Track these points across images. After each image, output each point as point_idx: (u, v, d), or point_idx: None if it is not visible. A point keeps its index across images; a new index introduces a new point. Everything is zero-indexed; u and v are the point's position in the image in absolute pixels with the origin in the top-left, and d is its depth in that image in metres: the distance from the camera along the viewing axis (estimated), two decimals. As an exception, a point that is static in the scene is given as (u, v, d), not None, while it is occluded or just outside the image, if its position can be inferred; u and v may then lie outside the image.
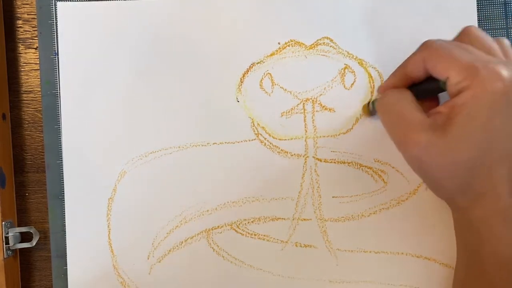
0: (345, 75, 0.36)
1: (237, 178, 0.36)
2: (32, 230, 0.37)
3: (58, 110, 0.36)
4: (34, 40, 0.38)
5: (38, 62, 0.38)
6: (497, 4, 0.37)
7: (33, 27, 0.38)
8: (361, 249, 0.36)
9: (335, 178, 0.36)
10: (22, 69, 0.38)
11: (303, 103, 0.36)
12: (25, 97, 0.38)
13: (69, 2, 0.37)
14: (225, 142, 0.36)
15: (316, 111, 0.36)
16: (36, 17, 0.37)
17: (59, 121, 0.36)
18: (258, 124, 0.36)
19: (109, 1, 0.36)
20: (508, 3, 0.37)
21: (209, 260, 0.36)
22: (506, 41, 0.30)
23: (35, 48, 0.38)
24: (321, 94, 0.36)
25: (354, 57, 0.36)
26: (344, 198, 0.36)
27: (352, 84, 0.36)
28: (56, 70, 0.36)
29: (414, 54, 0.31)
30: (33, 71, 0.38)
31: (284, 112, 0.36)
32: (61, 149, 0.36)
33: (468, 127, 0.27)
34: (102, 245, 0.36)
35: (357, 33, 0.36)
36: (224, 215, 0.36)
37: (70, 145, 0.36)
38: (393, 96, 0.31)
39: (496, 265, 0.28)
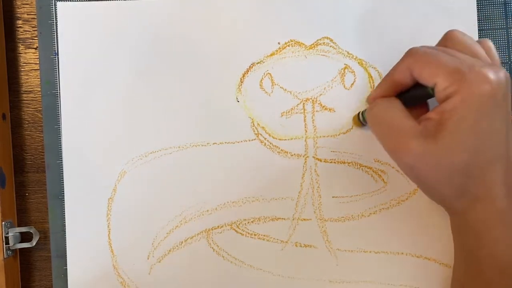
0: (345, 75, 0.36)
1: (237, 178, 0.36)
2: (32, 230, 0.37)
3: (58, 110, 0.36)
4: (34, 40, 0.38)
5: (38, 62, 0.38)
6: (497, 4, 0.37)
7: (33, 27, 0.38)
8: (361, 249, 0.36)
9: (335, 178, 0.36)
10: (22, 69, 0.38)
11: (303, 103, 0.36)
12: (25, 97, 0.38)
13: (69, 2, 0.37)
14: (225, 142, 0.36)
15: (316, 111, 0.36)
16: (36, 17, 0.37)
17: (59, 121, 0.36)
18: (258, 124, 0.36)
19: (109, 1, 0.36)
20: (508, 3, 0.37)
21: (209, 260, 0.36)
22: (489, 43, 0.30)
23: (35, 48, 0.38)
24: (321, 94, 0.36)
25: (354, 57, 0.36)
26: (344, 198, 0.36)
27: (352, 84, 0.36)
28: (56, 70, 0.36)
29: (400, 62, 0.31)
30: (33, 71, 0.38)
31: (284, 112, 0.36)
32: (61, 149, 0.36)
33: (459, 132, 0.27)
34: (102, 245, 0.36)
35: (357, 33, 0.36)
36: (224, 215, 0.36)
37: (70, 145, 0.36)
38: (382, 106, 0.31)
39: (494, 267, 0.29)
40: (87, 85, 0.36)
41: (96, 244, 0.36)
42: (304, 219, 0.36)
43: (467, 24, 0.36)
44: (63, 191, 0.36)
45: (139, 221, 0.36)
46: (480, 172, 0.28)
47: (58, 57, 0.36)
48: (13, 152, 0.38)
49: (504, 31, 0.37)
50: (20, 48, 0.38)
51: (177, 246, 0.36)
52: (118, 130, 0.36)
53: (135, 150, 0.36)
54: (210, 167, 0.36)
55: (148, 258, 0.36)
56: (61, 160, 0.36)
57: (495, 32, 0.37)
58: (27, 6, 0.38)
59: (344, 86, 0.36)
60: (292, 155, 0.36)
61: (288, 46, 0.36)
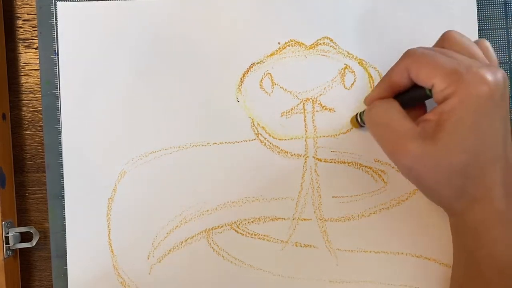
0: (345, 75, 0.36)
1: (237, 178, 0.36)
2: (32, 230, 0.37)
3: (58, 110, 0.36)
4: (34, 40, 0.38)
5: (38, 62, 0.38)
6: (497, 4, 0.37)
7: (33, 27, 0.38)
8: (361, 249, 0.36)
9: (335, 178, 0.36)
10: (22, 69, 0.38)
11: (303, 103, 0.36)
12: (25, 97, 0.38)
13: (69, 2, 0.37)
14: (225, 142, 0.36)
15: (316, 111, 0.36)
16: (36, 17, 0.37)
17: (59, 121, 0.36)
18: (258, 124, 0.36)
19: (109, 1, 0.36)
20: (508, 3, 0.37)
21: (209, 260, 0.36)
22: (486, 43, 0.30)
23: (35, 48, 0.38)
24: (321, 94, 0.36)
25: (354, 57, 0.36)
26: (344, 198, 0.36)
27: (352, 84, 0.36)
28: (56, 70, 0.36)
29: (397, 63, 0.31)
30: (33, 71, 0.38)
31: (284, 112, 0.36)
32: (61, 149, 0.36)
33: (457, 133, 0.27)
34: (102, 245, 0.36)
35: (357, 33, 0.36)
36: (224, 215, 0.36)
37: (70, 145, 0.36)
38: (380, 107, 0.31)
39: (493, 267, 0.29)
40: (87, 85, 0.36)
41: (96, 244, 0.36)
42: (304, 219, 0.36)
43: (467, 24, 0.36)
44: (63, 191, 0.36)
45: (139, 221, 0.36)
46: (478, 173, 0.28)
47: (58, 57, 0.36)
48: (13, 152, 0.38)
49: (504, 31, 0.37)
50: (20, 48, 0.38)
51: (177, 246, 0.36)
52: (118, 130, 0.36)
53: (135, 150, 0.36)
54: (210, 167, 0.36)
55: (148, 258, 0.36)
56: (61, 160, 0.36)
57: (495, 32, 0.37)
58: (27, 6, 0.38)
59: (344, 86, 0.36)
60: (292, 155, 0.36)
61: (288, 46, 0.36)
